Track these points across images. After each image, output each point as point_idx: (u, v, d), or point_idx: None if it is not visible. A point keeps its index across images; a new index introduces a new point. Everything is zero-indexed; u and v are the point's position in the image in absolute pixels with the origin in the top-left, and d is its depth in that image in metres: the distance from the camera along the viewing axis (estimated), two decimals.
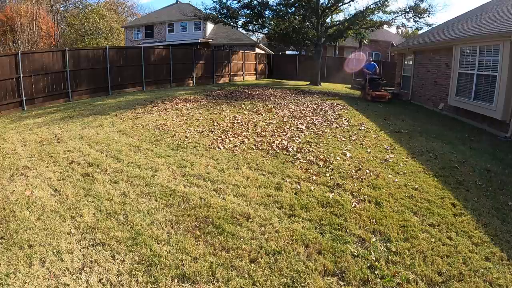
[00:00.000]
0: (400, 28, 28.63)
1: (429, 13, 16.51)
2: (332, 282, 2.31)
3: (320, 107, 9.64)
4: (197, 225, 2.99)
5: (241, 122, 7.30)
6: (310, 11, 17.63)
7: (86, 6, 32.96)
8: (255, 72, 22.35)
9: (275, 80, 22.22)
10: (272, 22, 19.90)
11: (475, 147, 5.74)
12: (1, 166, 4.42)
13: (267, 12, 18.69)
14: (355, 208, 3.35)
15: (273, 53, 27.95)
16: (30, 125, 6.95)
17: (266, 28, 20.45)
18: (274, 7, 18.37)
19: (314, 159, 4.87)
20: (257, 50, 24.49)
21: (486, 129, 7.32)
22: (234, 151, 5.21)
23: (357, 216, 3.19)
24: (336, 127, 7.07)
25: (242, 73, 20.75)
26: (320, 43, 18.24)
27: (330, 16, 19.83)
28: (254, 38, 30.86)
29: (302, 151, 5.27)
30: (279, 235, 2.83)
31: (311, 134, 6.38)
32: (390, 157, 5.02)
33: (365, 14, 17.19)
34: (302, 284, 2.28)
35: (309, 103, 10.39)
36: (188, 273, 2.35)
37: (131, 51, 13.60)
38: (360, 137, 6.24)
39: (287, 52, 34.60)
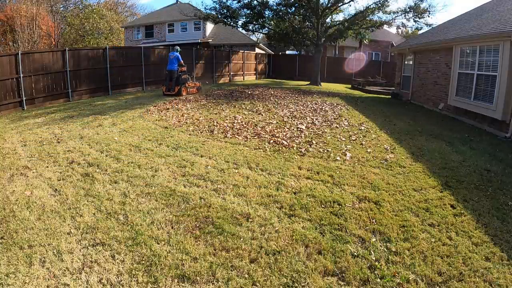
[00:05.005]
0: (400, 28, 28.62)
1: (429, 13, 16.54)
2: (332, 282, 2.31)
3: (320, 107, 9.63)
4: (197, 225, 2.99)
5: (241, 122, 7.30)
6: (310, 11, 17.63)
7: (86, 6, 32.93)
8: (255, 72, 22.34)
9: (275, 80, 22.21)
10: (272, 22, 19.90)
11: (475, 147, 5.73)
12: (1, 166, 4.42)
13: (267, 12, 18.70)
14: (355, 208, 3.35)
15: (273, 53, 27.93)
16: (30, 125, 6.95)
17: (266, 28, 20.45)
18: (274, 7, 18.39)
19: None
20: (257, 50, 24.49)
21: (486, 129, 7.32)
22: (234, 150, 5.21)
23: (357, 216, 3.19)
24: (336, 127, 7.07)
25: (242, 73, 20.74)
26: (320, 43, 18.24)
27: (330, 16, 19.85)
28: (254, 38, 30.86)
29: (302, 151, 5.26)
30: (279, 235, 2.83)
31: (311, 134, 6.38)
32: (390, 157, 5.03)
33: (365, 14, 17.21)
34: (302, 284, 2.28)
35: (309, 103, 10.38)
36: (188, 273, 2.35)
37: (131, 51, 13.60)
38: (360, 137, 6.25)
39: (287, 52, 34.55)
